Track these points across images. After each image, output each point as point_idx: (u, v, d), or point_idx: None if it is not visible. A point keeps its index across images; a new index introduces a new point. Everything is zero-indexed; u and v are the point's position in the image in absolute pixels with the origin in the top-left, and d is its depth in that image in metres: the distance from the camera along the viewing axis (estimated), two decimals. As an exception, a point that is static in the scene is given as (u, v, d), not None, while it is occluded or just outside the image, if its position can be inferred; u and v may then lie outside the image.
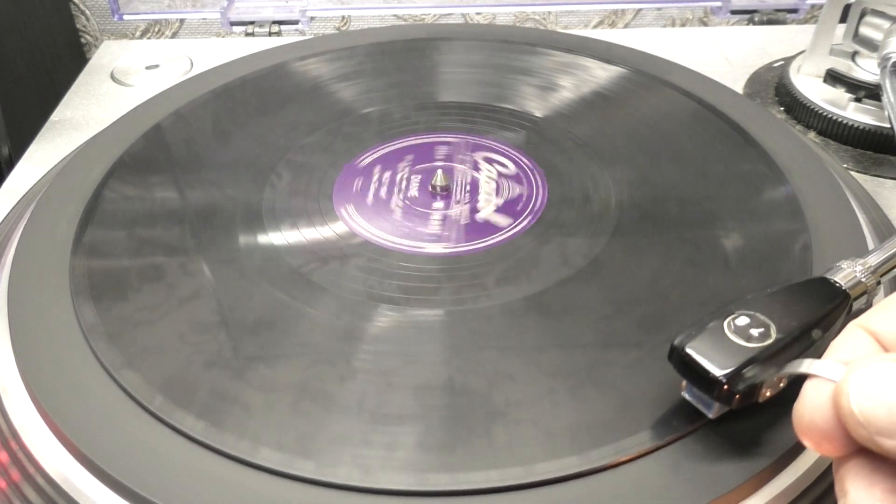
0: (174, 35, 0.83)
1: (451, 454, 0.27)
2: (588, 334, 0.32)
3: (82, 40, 0.82)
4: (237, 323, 0.33)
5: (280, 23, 0.65)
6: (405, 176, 0.42)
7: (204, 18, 0.80)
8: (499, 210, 0.39)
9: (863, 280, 0.29)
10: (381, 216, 0.39)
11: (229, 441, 0.28)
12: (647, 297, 0.34)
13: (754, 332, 0.26)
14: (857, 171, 0.46)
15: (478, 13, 0.81)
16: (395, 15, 0.81)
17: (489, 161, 0.43)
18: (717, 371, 0.25)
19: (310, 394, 0.30)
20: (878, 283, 0.30)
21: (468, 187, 0.41)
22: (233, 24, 0.66)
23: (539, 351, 0.31)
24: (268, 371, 0.31)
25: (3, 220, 0.43)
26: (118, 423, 0.29)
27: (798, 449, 0.28)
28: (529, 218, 0.39)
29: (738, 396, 0.25)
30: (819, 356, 0.25)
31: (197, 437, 0.28)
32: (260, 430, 0.28)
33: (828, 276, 0.30)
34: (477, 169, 0.42)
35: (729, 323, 0.27)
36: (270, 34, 0.65)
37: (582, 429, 0.28)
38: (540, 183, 0.41)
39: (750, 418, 0.28)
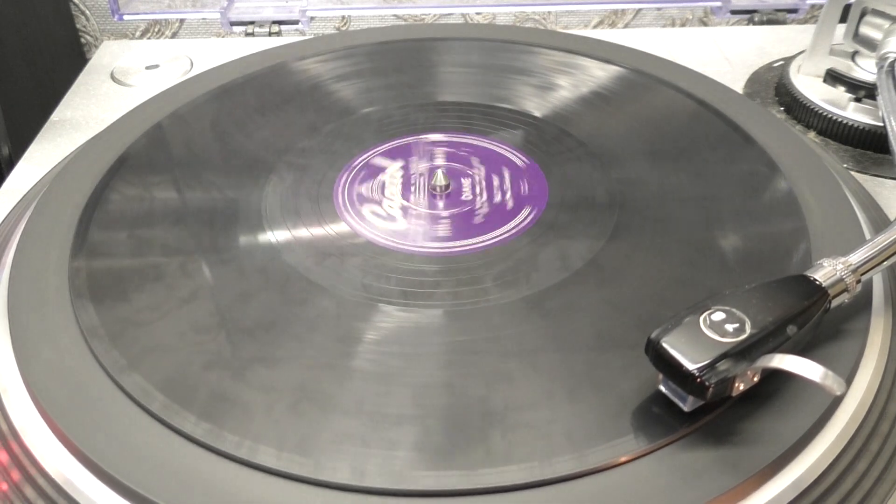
0: (174, 35, 0.83)
1: (450, 455, 0.27)
2: (587, 335, 0.32)
3: (82, 40, 0.82)
4: (237, 323, 0.33)
5: (280, 23, 0.65)
6: (405, 176, 0.42)
7: (204, 18, 0.80)
8: (498, 210, 0.39)
9: (843, 278, 0.30)
10: (381, 216, 0.39)
11: (229, 441, 0.28)
12: (647, 298, 0.34)
13: (729, 327, 0.27)
14: (857, 171, 0.46)
15: (478, 13, 0.81)
16: (395, 15, 0.81)
17: (488, 161, 0.43)
18: (690, 365, 0.26)
19: (309, 394, 0.30)
20: (859, 281, 0.30)
21: (468, 187, 0.41)
22: (233, 24, 0.66)
23: (538, 351, 0.31)
24: (268, 371, 0.31)
25: (3, 220, 0.43)
26: (118, 423, 0.29)
27: (798, 449, 0.28)
28: (528, 218, 0.39)
29: (710, 390, 0.26)
30: (794, 352, 0.26)
31: (197, 438, 0.28)
32: (260, 431, 0.28)
33: (808, 273, 0.30)
34: (475, 169, 0.42)
35: (705, 318, 0.27)
36: (270, 34, 0.65)
37: (581, 429, 0.28)
38: (539, 183, 0.41)
39: (750, 418, 0.28)
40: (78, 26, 0.81)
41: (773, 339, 0.27)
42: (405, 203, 0.40)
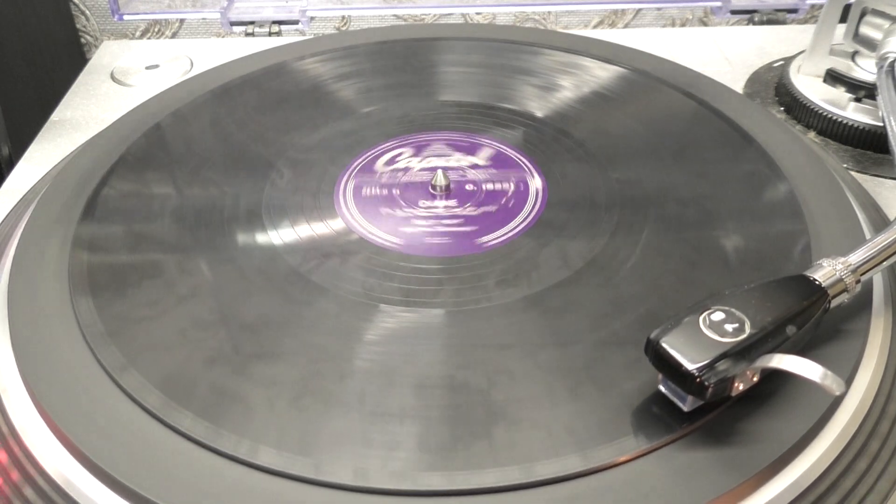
0: (174, 35, 0.83)
1: (451, 454, 0.27)
2: (587, 334, 0.32)
3: (82, 40, 0.82)
4: (237, 322, 0.33)
5: (280, 23, 0.65)
6: (405, 175, 0.42)
7: (204, 18, 0.80)
8: (499, 210, 0.39)
9: (843, 278, 0.30)
10: (382, 215, 0.39)
11: (229, 441, 0.28)
12: (647, 297, 0.34)
13: (728, 327, 0.27)
14: (857, 171, 0.46)
15: (478, 13, 0.81)
16: (395, 15, 0.81)
17: (488, 160, 0.43)
18: (690, 365, 0.26)
19: (310, 393, 0.30)
20: (859, 281, 0.30)
21: (467, 187, 0.41)
22: (233, 24, 0.66)
23: (539, 350, 0.31)
24: (268, 371, 0.31)
25: (3, 220, 0.43)
26: (118, 423, 0.29)
27: (798, 449, 0.28)
28: (529, 218, 0.39)
29: (710, 389, 0.26)
30: (793, 352, 0.26)
31: (197, 437, 0.28)
32: (260, 430, 0.28)
33: (807, 273, 0.30)
34: (476, 169, 0.42)
35: (704, 318, 0.27)
36: (270, 34, 0.65)
37: (581, 428, 0.28)
38: (539, 182, 0.41)
39: (750, 418, 0.28)
40: (78, 26, 0.81)
41: (773, 339, 0.27)
42: (405, 203, 0.40)
